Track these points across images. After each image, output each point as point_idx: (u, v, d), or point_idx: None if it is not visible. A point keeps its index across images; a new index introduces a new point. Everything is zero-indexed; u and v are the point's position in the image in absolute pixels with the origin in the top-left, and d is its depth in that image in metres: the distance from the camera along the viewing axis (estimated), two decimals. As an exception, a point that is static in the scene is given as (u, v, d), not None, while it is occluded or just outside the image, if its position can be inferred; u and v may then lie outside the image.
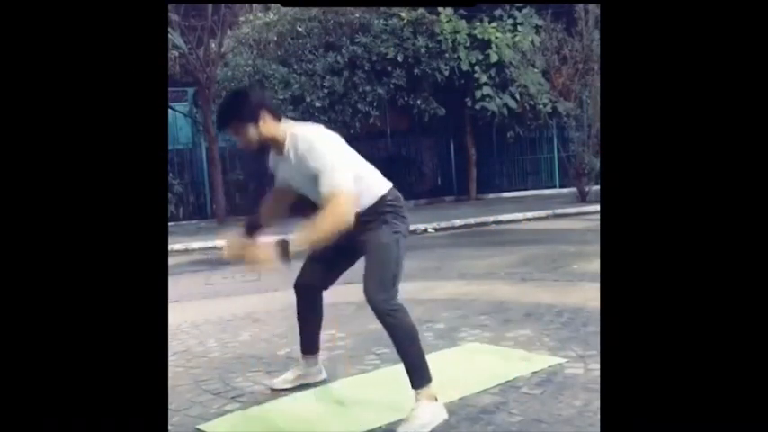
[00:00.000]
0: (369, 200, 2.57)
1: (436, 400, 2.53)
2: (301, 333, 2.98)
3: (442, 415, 2.52)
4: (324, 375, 3.08)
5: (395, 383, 2.78)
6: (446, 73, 13.41)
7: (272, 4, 13.87)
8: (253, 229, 2.78)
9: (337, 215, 2.34)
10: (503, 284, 5.41)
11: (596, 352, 3.10)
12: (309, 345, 3.00)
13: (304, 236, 2.36)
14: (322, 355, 3.15)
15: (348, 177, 2.41)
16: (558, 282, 5.38)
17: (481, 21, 13.89)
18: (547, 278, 5.60)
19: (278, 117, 2.58)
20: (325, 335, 3.16)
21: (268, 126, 2.53)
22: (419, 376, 2.52)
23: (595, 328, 3.58)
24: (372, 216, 2.57)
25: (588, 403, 2.63)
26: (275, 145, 2.60)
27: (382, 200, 2.59)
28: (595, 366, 3.01)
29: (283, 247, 2.32)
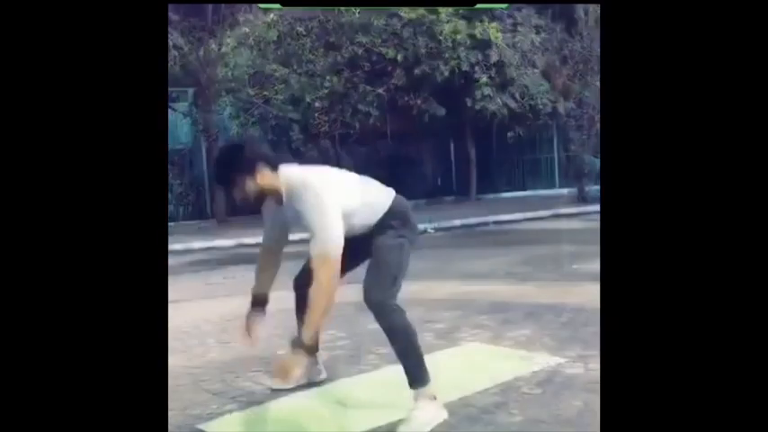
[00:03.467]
0: (373, 217, 2.62)
1: (435, 399, 2.53)
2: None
3: (442, 414, 2.52)
4: (324, 375, 3.08)
5: (395, 383, 2.78)
6: (446, 73, 13.41)
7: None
8: (260, 304, 2.87)
9: (324, 292, 2.33)
10: (503, 284, 5.41)
11: (596, 352, 3.10)
12: None
13: (310, 328, 2.37)
14: (322, 355, 3.15)
15: (336, 236, 2.38)
16: (558, 282, 5.38)
17: (481, 21, 13.88)
18: (547, 278, 5.60)
19: (275, 166, 2.55)
20: (325, 335, 3.16)
21: (265, 177, 2.50)
22: (417, 377, 2.52)
23: (595, 328, 3.58)
24: (378, 226, 2.63)
25: (588, 403, 2.63)
26: (274, 195, 2.57)
27: (388, 212, 2.64)
28: (595, 366, 3.01)
29: (301, 346, 2.37)
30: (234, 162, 2.49)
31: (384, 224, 2.62)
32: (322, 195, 2.44)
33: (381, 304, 2.50)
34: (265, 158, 2.52)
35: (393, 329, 2.52)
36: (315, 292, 2.34)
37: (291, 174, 2.55)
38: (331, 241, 2.37)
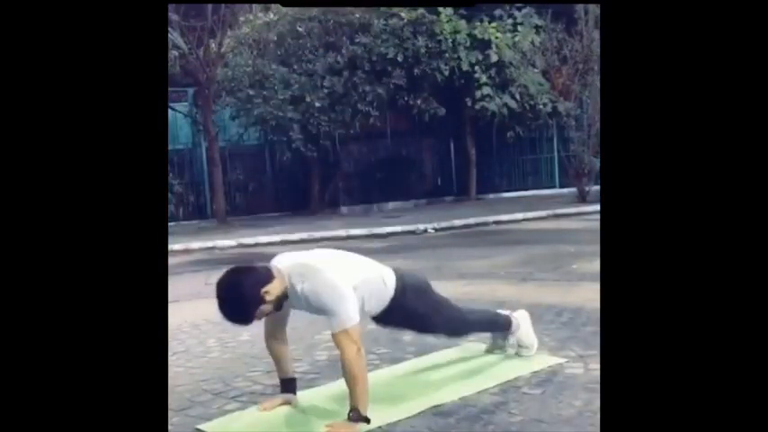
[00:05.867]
0: (382, 304, 2.73)
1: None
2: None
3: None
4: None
5: (395, 383, 2.78)
6: (446, 73, 13.38)
7: (272, 4, 13.86)
8: (289, 387, 2.84)
9: (353, 363, 2.43)
10: (503, 284, 5.40)
11: (596, 352, 3.10)
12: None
13: (361, 401, 2.45)
14: (322, 355, 3.15)
15: (352, 310, 2.49)
16: (558, 282, 5.37)
17: (481, 21, 13.86)
18: (547, 278, 5.60)
19: (271, 273, 2.54)
20: (325, 335, 3.16)
21: (274, 289, 2.52)
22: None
23: (595, 328, 3.58)
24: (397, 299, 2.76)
25: (588, 403, 2.62)
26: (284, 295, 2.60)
27: (398, 290, 2.75)
28: (595, 366, 3.01)
29: (361, 418, 2.45)
30: (245, 300, 2.50)
31: (400, 299, 2.73)
32: (328, 274, 2.52)
33: None
34: (265, 276, 2.51)
35: None
36: (348, 368, 2.44)
37: (290, 267, 2.57)
38: (348, 317, 2.47)
